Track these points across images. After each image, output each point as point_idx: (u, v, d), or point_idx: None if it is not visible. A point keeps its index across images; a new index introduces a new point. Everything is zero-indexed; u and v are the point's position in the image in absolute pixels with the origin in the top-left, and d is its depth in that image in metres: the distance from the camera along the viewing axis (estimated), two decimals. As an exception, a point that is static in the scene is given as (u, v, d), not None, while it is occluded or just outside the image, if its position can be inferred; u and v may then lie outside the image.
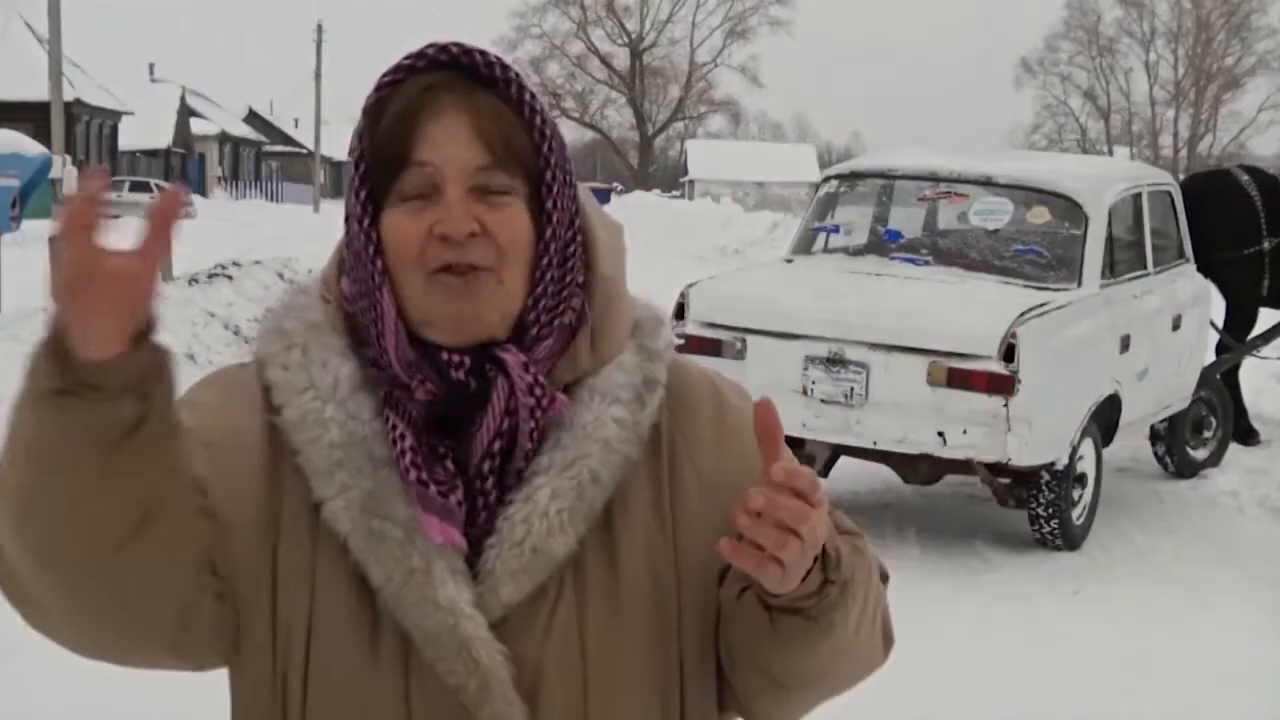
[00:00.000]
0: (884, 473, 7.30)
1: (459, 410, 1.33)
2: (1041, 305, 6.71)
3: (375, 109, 1.33)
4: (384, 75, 1.34)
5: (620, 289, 1.43)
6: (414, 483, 1.30)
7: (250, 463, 1.34)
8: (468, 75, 1.33)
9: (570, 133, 46.80)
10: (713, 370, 1.50)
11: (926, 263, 7.34)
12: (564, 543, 1.32)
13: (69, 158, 33.77)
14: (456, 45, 1.33)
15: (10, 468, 1.22)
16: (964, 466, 6.77)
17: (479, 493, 1.33)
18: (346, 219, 1.36)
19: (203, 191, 58.96)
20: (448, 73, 1.33)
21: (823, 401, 6.68)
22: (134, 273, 1.13)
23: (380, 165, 1.32)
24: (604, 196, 32.96)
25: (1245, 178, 9.46)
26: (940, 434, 6.52)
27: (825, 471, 7.00)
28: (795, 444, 6.42)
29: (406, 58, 1.34)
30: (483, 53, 1.33)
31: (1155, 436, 8.64)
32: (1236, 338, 9.42)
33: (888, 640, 1.44)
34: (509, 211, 1.32)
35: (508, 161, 1.31)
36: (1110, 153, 67.03)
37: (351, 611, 1.32)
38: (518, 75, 1.34)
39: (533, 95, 1.34)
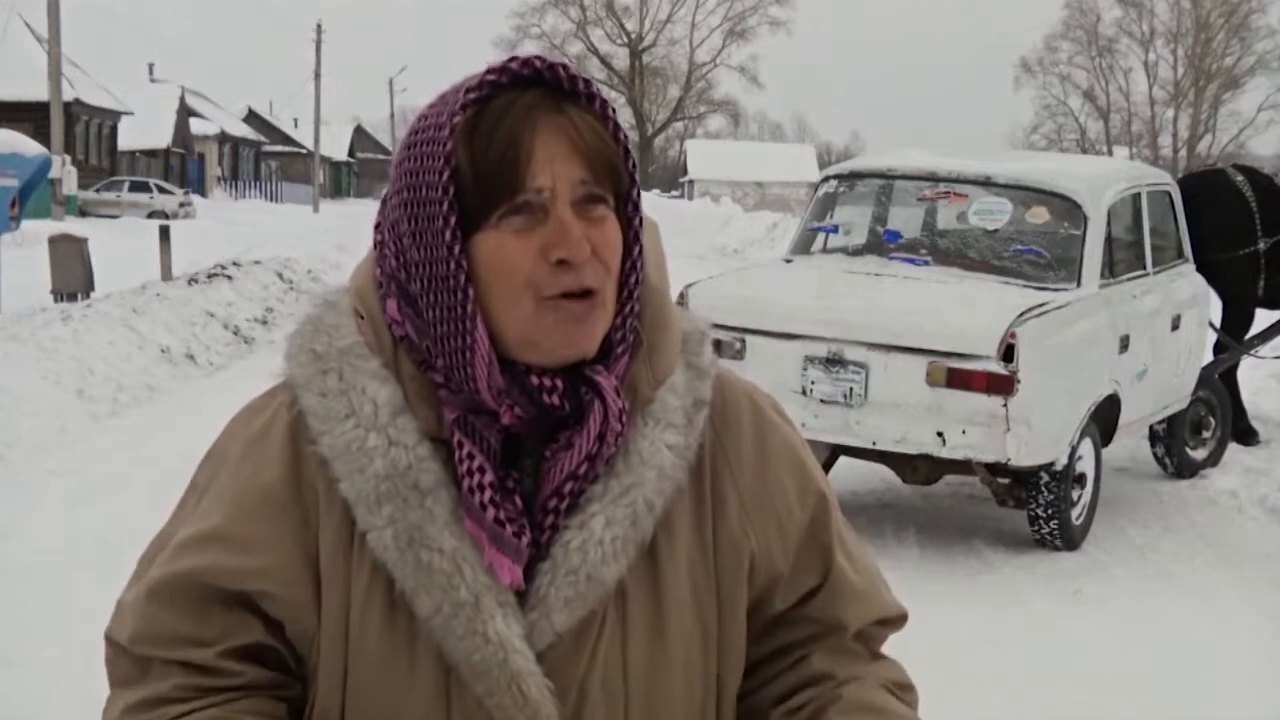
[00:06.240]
0: (883, 473, 7.29)
1: (536, 433, 1.32)
2: (1041, 305, 6.70)
3: (465, 129, 1.27)
4: (467, 92, 1.27)
5: (669, 301, 1.41)
6: (490, 522, 1.29)
7: (281, 514, 1.33)
8: (551, 90, 1.29)
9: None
10: (749, 383, 1.49)
11: (926, 263, 7.33)
12: (616, 570, 1.32)
13: (68, 158, 33.90)
14: (539, 59, 1.29)
15: None
16: (963, 466, 6.76)
17: (540, 520, 1.31)
18: (418, 245, 1.29)
19: (202, 191, 58.97)
20: (535, 89, 1.28)
21: (822, 401, 6.67)
22: None
23: (484, 190, 1.26)
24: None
25: (1240, 178, 9.39)
26: (939, 434, 6.51)
27: (824, 472, 6.98)
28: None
29: (489, 73, 1.28)
30: (564, 66, 1.30)
31: (1154, 437, 8.63)
32: (1234, 338, 9.40)
33: None
34: (608, 227, 1.30)
35: (603, 176, 1.29)
36: (1110, 153, 67.06)
37: (386, 637, 1.31)
38: (598, 88, 1.31)
39: (614, 109, 1.32)
